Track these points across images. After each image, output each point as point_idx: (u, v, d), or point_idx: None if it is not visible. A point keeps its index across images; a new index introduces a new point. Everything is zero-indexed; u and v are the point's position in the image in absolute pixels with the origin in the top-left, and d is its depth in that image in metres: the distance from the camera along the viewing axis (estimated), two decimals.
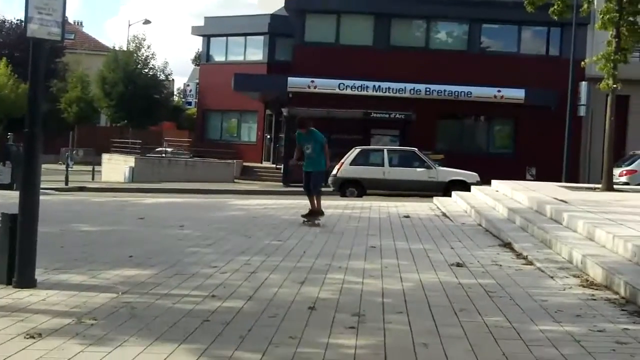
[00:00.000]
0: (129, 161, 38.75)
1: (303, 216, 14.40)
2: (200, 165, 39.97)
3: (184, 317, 6.80)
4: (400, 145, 32.32)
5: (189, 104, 57.72)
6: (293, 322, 6.70)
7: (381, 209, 17.70)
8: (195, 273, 8.89)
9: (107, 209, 17.26)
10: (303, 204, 15.83)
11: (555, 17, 20.05)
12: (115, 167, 39.97)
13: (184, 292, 7.88)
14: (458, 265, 9.79)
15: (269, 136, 44.63)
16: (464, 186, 24.26)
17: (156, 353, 5.69)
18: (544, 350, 5.96)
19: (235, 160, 40.37)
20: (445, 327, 6.63)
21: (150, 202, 19.40)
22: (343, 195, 25.16)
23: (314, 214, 14.33)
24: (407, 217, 15.90)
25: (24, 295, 7.72)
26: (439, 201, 19.62)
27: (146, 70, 52.99)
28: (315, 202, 14.41)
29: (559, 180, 26.02)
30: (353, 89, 35.76)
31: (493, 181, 20.71)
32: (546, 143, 34.65)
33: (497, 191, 19.09)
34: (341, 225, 13.93)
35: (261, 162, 43.81)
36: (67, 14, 8.39)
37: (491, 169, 27.44)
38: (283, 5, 38.07)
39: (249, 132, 46.91)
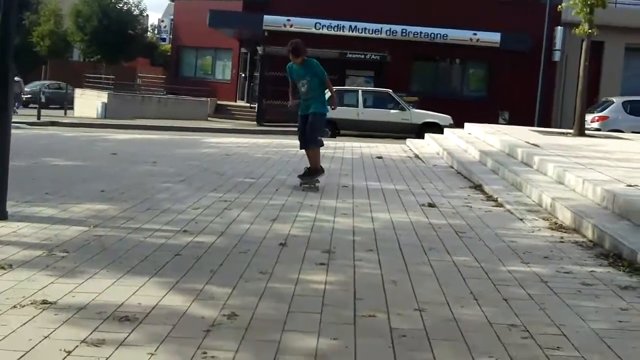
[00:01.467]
0: (102, 97, 38.39)
1: (300, 177, 11.19)
2: (173, 102, 39.68)
3: (155, 251, 6.82)
4: (374, 87, 32.30)
5: (163, 40, 57.21)
6: (264, 257, 6.74)
7: (354, 149, 17.73)
8: (167, 209, 8.90)
9: (79, 143, 17.15)
10: (276, 142, 15.60)
11: None
12: (88, 102, 39.59)
13: (155, 226, 7.89)
14: (429, 205, 9.87)
15: (243, 75, 44.35)
16: (437, 128, 24.36)
17: (127, 285, 5.71)
18: (510, 290, 6.04)
19: (209, 98, 40.12)
20: (414, 265, 6.70)
21: (123, 138, 19.29)
22: None
23: (313, 173, 11.17)
24: (380, 158, 15.95)
25: None
26: (412, 143, 19.68)
27: (120, 5, 52.30)
28: (312, 156, 11.21)
29: (532, 125, 26.15)
30: (329, 29, 35.58)
31: (466, 124, 20.78)
32: (520, 87, 34.79)
33: (469, 134, 19.16)
34: None
35: (235, 101, 43.61)
36: None
37: (465, 112, 27.58)
38: None
39: (224, 70, 46.58)
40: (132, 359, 4.23)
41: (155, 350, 4.39)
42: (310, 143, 11.10)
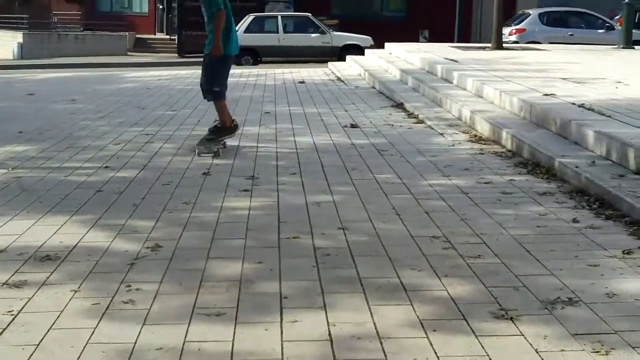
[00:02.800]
0: (17, 37, 37.29)
1: (206, 138, 8.55)
2: (91, 39, 38.76)
3: (77, 189, 6.73)
4: (294, 12, 32.01)
5: None
6: (187, 188, 6.70)
7: (276, 75, 17.63)
8: (88, 146, 8.76)
9: None
10: (197, 73, 15.23)
11: None
12: (3, 43, 38.45)
13: (76, 164, 7.77)
14: (352, 126, 9.90)
15: (161, 6, 43.46)
16: (359, 50, 24.30)
17: (47, 225, 5.64)
18: (432, 203, 6.13)
19: (127, 33, 39.31)
20: (337, 185, 6.74)
21: (41, 78, 18.85)
22: (238, 64, 24.91)
23: (218, 131, 8.61)
24: (302, 82, 15.90)
25: None
26: (334, 66, 19.64)
27: None
28: (217, 110, 8.74)
29: (452, 42, 26.25)
30: None
31: (387, 44, 20.77)
32: (438, 5, 34.79)
33: (390, 54, 19.18)
34: (235, 93, 13.79)
35: (154, 34, 42.79)
36: None
37: (385, 33, 27.52)
38: None
39: (141, 3, 45.55)
40: (55, 298, 4.19)
41: (79, 287, 4.36)
42: (206, 94, 8.74)
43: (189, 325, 3.80)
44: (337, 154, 8.12)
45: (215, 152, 8.14)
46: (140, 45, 39.41)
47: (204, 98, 8.86)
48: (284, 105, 12.34)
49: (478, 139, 8.72)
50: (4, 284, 4.43)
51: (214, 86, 8.52)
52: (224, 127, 8.53)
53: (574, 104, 8.80)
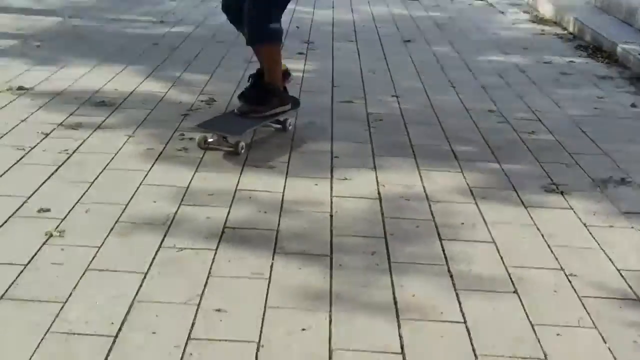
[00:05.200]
0: None
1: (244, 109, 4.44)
2: None
3: (132, 41, 6.72)
4: None
5: None
6: (242, 47, 6.63)
7: None
8: (145, 0, 8.71)
9: None
10: None
11: None
12: None
13: (132, 17, 7.75)
14: None
15: None
16: None
17: (104, 73, 5.66)
18: (489, 79, 6.04)
19: None
20: (393, 55, 6.65)
21: None
22: None
23: (261, 95, 4.46)
24: None
25: None
26: None
27: None
28: (264, 60, 4.56)
29: None
30: None
31: None
32: None
33: None
34: None
35: None
36: None
37: None
38: None
39: None
40: (109, 141, 4.24)
41: (133, 133, 4.40)
42: (251, 37, 4.42)
43: (240, 175, 3.83)
44: (395, 25, 7.99)
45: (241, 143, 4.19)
46: None
47: (247, 44, 4.49)
48: None
49: (540, 20, 8.52)
50: (60, 124, 4.48)
51: (266, 21, 4.35)
52: (272, 87, 4.48)
53: None
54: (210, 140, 4.20)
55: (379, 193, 3.67)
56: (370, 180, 3.84)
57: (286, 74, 4.71)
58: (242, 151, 4.13)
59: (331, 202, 3.53)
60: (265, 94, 4.43)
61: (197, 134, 4.30)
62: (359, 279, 2.85)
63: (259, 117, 4.38)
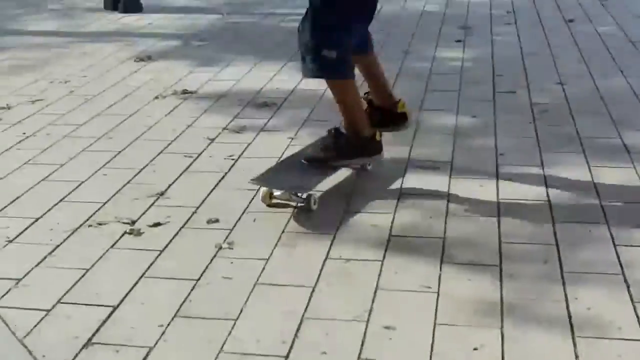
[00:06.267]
0: None
1: (315, 155, 3.76)
2: None
3: (288, 36, 6.78)
4: None
5: None
6: (403, 35, 6.59)
7: None
8: None
9: None
10: None
11: None
12: None
13: (287, 11, 7.82)
14: None
15: None
16: None
17: (264, 71, 5.74)
18: None
19: None
20: (555, 37, 6.45)
21: None
22: None
23: (341, 146, 3.72)
24: None
25: (131, 20, 7.83)
26: None
27: None
28: (337, 100, 3.72)
29: None
30: None
31: None
32: None
33: None
34: None
35: None
36: None
37: None
38: None
39: None
40: (272, 144, 4.29)
41: (295, 135, 4.44)
42: (306, 59, 3.61)
43: (403, 177, 3.79)
44: (556, 4, 7.73)
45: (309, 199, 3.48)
46: None
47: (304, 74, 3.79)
48: None
49: None
50: (224, 128, 4.57)
51: (323, 48, 3.49)
52: (353, 134, 3.72)
53: None
54: (276, 193, 3.53)
55: (547, 194, 3.55)
56: (538, 180, 3.72)
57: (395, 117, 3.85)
58: (315, 206, 3.43)
59: (498, 205, 3.44)
60: (342, 144, 3.68)
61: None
62: (530, 290, 2.77)
63: (329, 166, 3.68)
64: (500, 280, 2.84)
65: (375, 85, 3.89)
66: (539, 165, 3.89)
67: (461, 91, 5.10)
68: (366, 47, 3.79)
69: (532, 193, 3.57)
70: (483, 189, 3.63)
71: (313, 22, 3.49)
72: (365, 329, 2.57)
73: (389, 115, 3.88)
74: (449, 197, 3.56)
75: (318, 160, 3.68)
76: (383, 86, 3.91)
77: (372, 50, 3.89)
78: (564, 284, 2.80)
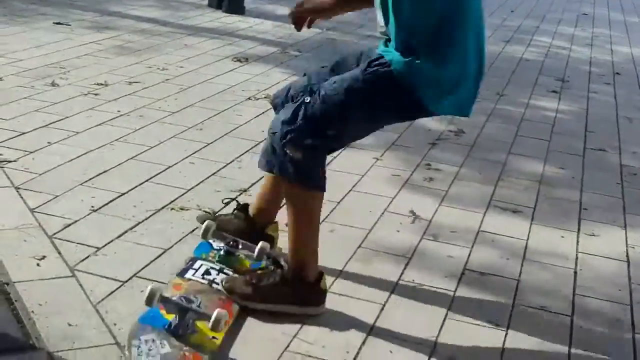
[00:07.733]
0: None
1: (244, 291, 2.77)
2: None
3: None
4: None
5: None
6: (495, 78, 6.57)
7: None
8: None
9: None
10: None
11: None
12: None
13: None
14: None
15: None
16: None
17: None
18: None
19: None
20: None
21: None
22: None
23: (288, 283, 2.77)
24: None
25: (233, 21, 7.95)
26: None
27: None
28: (290, 221, 2.80)
29: None
30: None
31: None
32: None
33: None
34: None
35: None
36: None
37: None
38: None
39: None
40: (358, 161, 4.30)
41: (382, 156, 4.45)
42: (278, 147, 2.71)
43: (484, 215, 3.78)
44: None
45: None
46: None
47: (266, 163, 2.96)
48: (604, 7, 11.72)
49: None
50: None
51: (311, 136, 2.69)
52: (298, 278, 2.79)
53: None
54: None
55: (627, 255, 3.50)
56: (620, 239, 3.67)
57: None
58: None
59: (576, 258, 3.41)
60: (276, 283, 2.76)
61: (445, 165, 4.30)
62: (599, 346, 2.73)
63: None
64: (571, 331, 2.81)
65: (274, 198, 3.14)
66: (622, 226, 3.84)
67: (551, 141, 5.06)
68: None
69: (612, 251, 3.52)
70: (563, 240, 3.59)
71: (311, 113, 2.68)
72: (430, 355, 2.56)
73: (255, 230, 3.11)
74: (527, 241, 3.53)
75: (237, 297, 2.73)
76: (276, 203, 3.18)
77: None
78: (634, 346, 2.76)
